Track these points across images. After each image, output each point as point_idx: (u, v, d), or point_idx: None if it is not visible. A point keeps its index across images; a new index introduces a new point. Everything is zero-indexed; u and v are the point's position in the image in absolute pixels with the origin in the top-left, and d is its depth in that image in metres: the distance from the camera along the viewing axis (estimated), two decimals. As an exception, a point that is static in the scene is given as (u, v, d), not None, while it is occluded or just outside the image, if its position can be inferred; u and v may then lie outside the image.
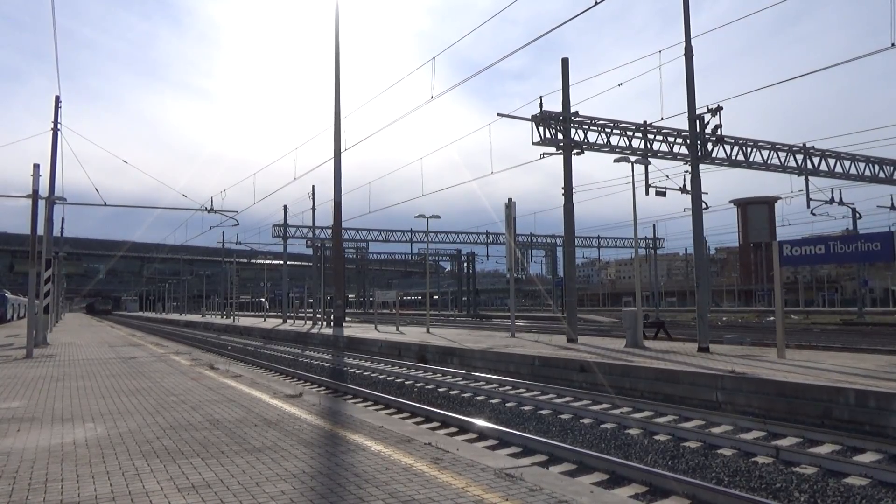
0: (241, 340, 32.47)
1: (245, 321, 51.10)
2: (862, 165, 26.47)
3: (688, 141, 18.30)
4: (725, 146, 21.23)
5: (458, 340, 21.45)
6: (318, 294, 43.69)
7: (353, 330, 29.83)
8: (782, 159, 23.64)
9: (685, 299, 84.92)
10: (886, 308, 61.20)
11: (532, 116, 18.81)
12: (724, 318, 48.06)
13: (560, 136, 19.07)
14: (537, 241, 67.71)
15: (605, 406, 10.99)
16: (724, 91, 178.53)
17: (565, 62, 19.33)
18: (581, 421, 9.85)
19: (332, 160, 23.71)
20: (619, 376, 12.71)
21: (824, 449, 7.79)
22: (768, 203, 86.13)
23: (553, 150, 19.23)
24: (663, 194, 18.80)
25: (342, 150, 23.81)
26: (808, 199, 26.47)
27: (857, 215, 37.35)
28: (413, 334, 25.85)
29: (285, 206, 47.32)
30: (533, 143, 18.79)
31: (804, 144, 24.44)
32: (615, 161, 18.85)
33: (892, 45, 14.98)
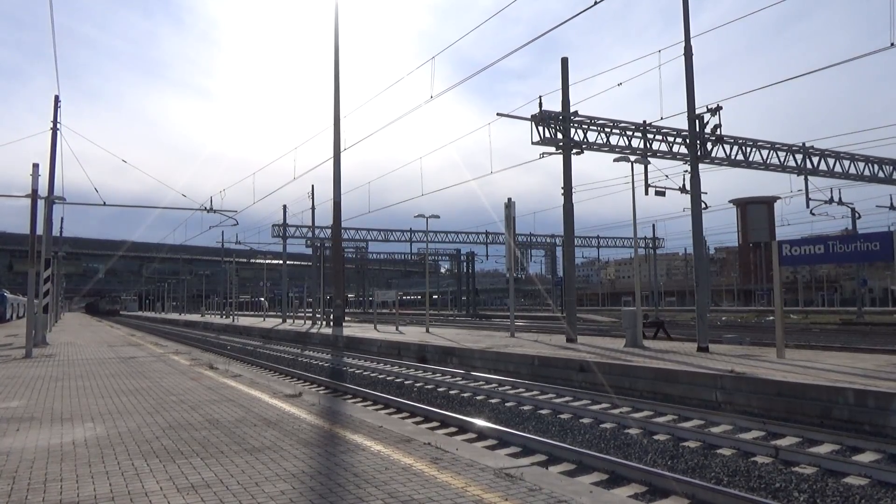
0: (240, 340, 32.46)
1: (244, 321, 51.09)
2: (861, 165, 26.46)
3: (687, 141, 18.30)
4: (725, 146, 21.21)
5: (458, 340, 21.45)
6: (318, 294, 43.68)
7: (352, 330, 29.82)
8: (782, 159, 23.63)
9: (685, 299, 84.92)
10: (885, 308, 61.20)
11: (532, 116, 18.79)
12: (724, 318, 48.05)
13: (560, 135, 19.07)
14: (537, 240, 67.71)
15: (604, 406, 11.00)
16: (724, 91, 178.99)
17: (565, 62, 19.33)
18: (580, 421, 9.85)
19: (332, 160, 23.72)
20: (618, 376, 12.71)
21: (823, 449, 7.79)
22: (768, 203, 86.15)
23: (553, 149, 19.22)
24: (663, 194, 18.80)
25: (342, 149, 23.81)
26: (808, 199, 26.50)
27: (857, 215, 37.36)
28: (412, 334, 25.85)
29: (285, 206, 47.34)
30: (532, 143, 18.78)
31: (804, 144, 24.43)
32: (615, 161, 18.86)
33: (892, 44, 14.96)
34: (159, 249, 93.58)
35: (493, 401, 11.90)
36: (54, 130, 21.94)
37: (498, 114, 19.69)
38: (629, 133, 20.15)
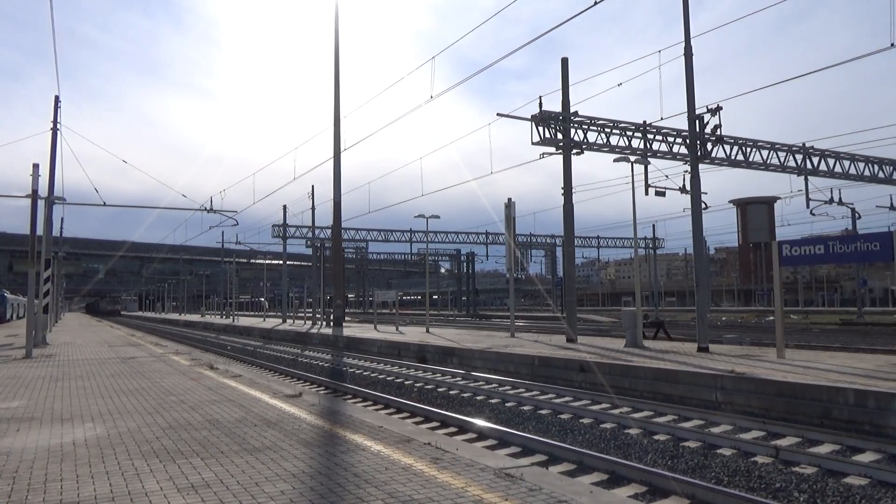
0: (240, 340, 32.46)
1: (244, 321, 51.08)
2: (861, 165, 26.46)
3: (687, 141, 18.30)
4: (725, 146, 21.22)
5: (458, 340, 21.45)
6: (318, 294, 43.68)
7: (352, 330, 29.82)
8: (782, 159, 23.62)
9: (685, 299, 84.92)
10: (886, 308, 61.19)
11: (532, 116, 18.79)
12: (724, 318, 48.06)
13: (560, 135, 19.07)
14: (537, 240, 67.72)
15: (604, 406, 10.99)
16: (724, 91, 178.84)
17: (565, 62, 19.33)
18: (581, 421, 9.85)
19: (332, 160, 23.73)
20: (618, 376, 12.71)
21: (824, 449, 7.79)
22: (768, 203, 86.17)
23: (553, 149, 19.23)
24: (663, 194, 18.80)
25: (342, 149, 23.84)
26: (808, 199, 26.44)
27: (857, 215, 37.35)
28: (412, 334, 25.85)
29: (285, 206, 47.36)
30: (532, 143, 18.78)
31: (804, 144, 24.43)
32: (615, 161, 18.85)
33: (892, 45, 14.96)
34: (159, 250, 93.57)
35: (493, 401, 11.90)
36: (54, 131, 21.95)
37: (498, 114, 19.72)
38: (629, 133, 20.15)
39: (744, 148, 22.20)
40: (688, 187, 17.58)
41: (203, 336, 38.60)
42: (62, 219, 45.63)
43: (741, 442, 8.05)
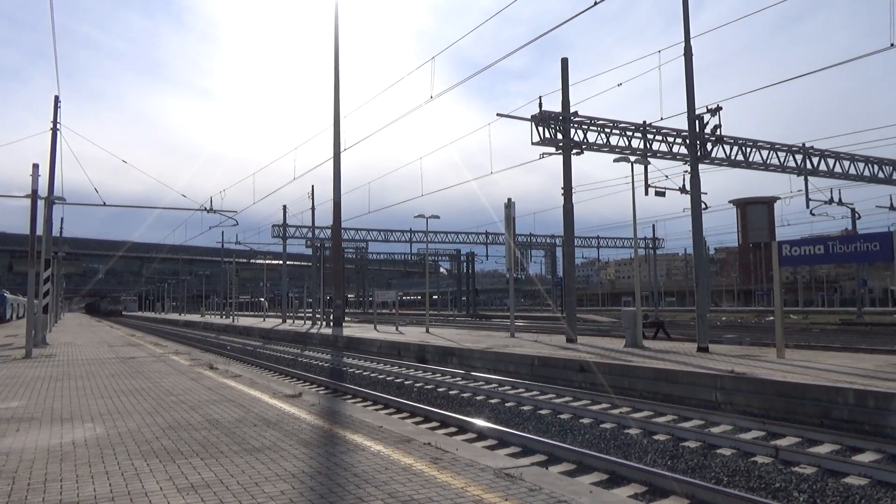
0: (240, 340, 32.46)
1: (244, 321, 51.08)
2: (861, 165, 26.47)
3: (687, 141, 18.30)
4: (725, 146, 21.22)
5: (458, 340, 21.45)
6: (318, 294, 43.69)
7: (352, 330, 29.82)
8: (782, 159, 23.63)
9: (685, 299, 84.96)
10: (885, 308, 61.21)
11: (531, 116, 18.80)
12: (724, 318, 48.07)
13: (559, 136, 19.07)
14: (537, 240, 67.74)
15: (604, 406, 10.99)
16: (724, 91, 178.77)
17: (564, 62, 19.33)
18: (580, 421, 9.85)
19: (332, 160, 23.75)
20: (618, 376, 12.71)
21: (823, 449, 7.79)
22: (768, 203, 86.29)
23: (552, 150, 19.23)
24: (663, 194, 18.80)
25: (342, 149, 23.85)
26: (808, 200, 26.46)
27: (857, 215, 37.37)
28: (412, 334, 25.85)
29: (285, 206, 47.36)
30: (532, 144, 18.79)
31: (804, 144, 24.44)
32: (615, 161, 18.84)
33: (892, 45, 14.98)
34: (159, 250, 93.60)
35: (493, 401, 11.90)
36: (54, 131, 21.94)
37: (498, 114, 19.72)
38: (629, 133, 20.15)
39: (744, 148, 22.20)
40: (688, 187, 17.58)
41: (203, 336, 38.61)
42: (62, 219, 45.56)
43: (741, 442, 8.05)
